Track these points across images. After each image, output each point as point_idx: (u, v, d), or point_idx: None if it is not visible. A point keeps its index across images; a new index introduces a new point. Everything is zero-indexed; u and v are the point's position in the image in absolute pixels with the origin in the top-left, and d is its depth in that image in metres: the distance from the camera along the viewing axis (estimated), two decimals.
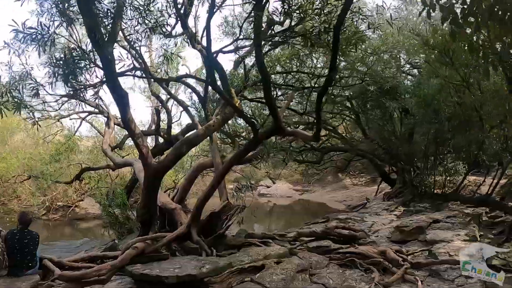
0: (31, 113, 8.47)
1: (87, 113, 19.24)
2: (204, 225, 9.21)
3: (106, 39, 6.69)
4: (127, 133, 19.88)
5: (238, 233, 10.22)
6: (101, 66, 7.59)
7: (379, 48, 14.37)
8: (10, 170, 20.85)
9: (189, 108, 17.53)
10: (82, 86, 8.88)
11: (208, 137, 10.65)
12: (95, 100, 14.35)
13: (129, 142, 21.75)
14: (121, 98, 7.67)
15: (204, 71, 20.68)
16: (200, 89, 13.94)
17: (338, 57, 6.67)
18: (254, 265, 7.50)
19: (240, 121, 17.93)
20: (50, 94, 12.81)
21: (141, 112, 78.75)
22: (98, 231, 17.43)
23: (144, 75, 11.35)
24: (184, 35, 8.65)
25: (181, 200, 10.85)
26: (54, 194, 21.73)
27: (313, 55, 13.70)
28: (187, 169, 20.84)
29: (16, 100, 6.85)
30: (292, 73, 14.83)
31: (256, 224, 17.01)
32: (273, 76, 13.83)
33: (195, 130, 9.92)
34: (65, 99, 14.82)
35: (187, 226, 8.88)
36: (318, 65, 15.55)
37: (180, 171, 21.86)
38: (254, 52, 8.75)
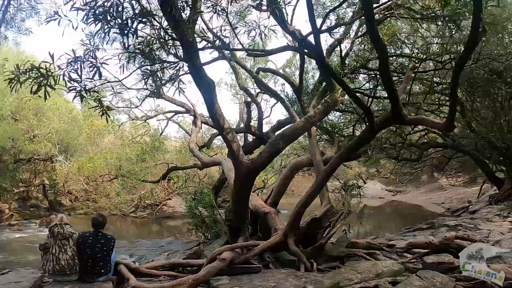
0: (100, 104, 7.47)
1: (173, 113, 19.13)
2: (303, 233, 8.00)
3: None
4: (214, 132, 19.70)
5: (338, 241, 8.79)
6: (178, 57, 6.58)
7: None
8: (97, 170, 21.42)
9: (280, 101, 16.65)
10: (163, 81, 7.89)
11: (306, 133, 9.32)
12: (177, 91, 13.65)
13: (217, 141, 21.72)
14: (207, 87, 6.82)
15: (296, 60, 20.28)
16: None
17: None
18: (366, 286, 6.13)
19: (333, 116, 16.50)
20: (129, 88, 12.13)
21: (228, 110, 76.71)
22: (184, 229, 17.04)
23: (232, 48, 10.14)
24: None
25: (275, 203, 9.66)
26: (142, 192, 21.97)
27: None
28: (277, 168, 20.01)
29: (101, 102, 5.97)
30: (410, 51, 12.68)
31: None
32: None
33: (292, 124, 8.65)
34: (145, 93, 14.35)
35: (284, 233, 7.64)
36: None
37: (270, 171, 21.07)
38: (365, 18, 7.15)
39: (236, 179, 8.02)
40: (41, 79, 5.01)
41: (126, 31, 5.28)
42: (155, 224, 20.82)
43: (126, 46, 5.76)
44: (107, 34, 5.31)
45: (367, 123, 6.86)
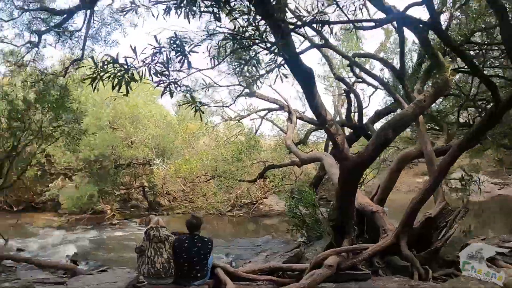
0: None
1: (266, 111, 18.90)
2: (416, 233, 7.00)
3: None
4: (310, 127, 19.04)
5: (451, 243, 7.60)
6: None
7: None
8: (194, 171, 21.67)
9: (379, 88, 15.48)
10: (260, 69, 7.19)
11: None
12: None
13: (312, 137, 21.51)
14: (306, 77, 6.10)
15: (391, 43, 18.93)
16: None
17: None
18: None
19: None
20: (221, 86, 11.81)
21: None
22: (281, 228, 16.88)
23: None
24: None
25: (382, 200, 8.65)
26: (238, 192, 21.94)
27: None
28: (376, 161, 18.76)
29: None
30: None
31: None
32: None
33: (399, 111, 7.65)
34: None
35: (396, 235, 6.73)
36: None
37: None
38: None
39: (340, 174, 7.21)
40: (122, 72, 4.55)
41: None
42: (251, 223, 20.68)
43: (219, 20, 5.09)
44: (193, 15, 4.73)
45: (493, 104, 5.75)
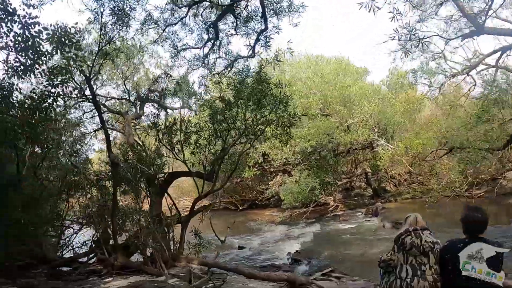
0: None
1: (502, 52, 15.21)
2: None
3: None
4: None
5: None
6: None
7: None
8: (427, 146, 18.24)
9: None
10: None
11: None
12: None
13: None
14: None
15: None
16: None
17: None
18: None
19: None
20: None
21: None
22: None
23: None
24: None
25: None
26: (478, 166, 17.67)
27: None
28: None
29: None
30: None
31: None
32: None
33: None
34: None
35: None
36: None
37: None
38: None
39: None
40: None
41: None
42: (492, 204, 16.92)
43: None
44: None
45: None
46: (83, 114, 14.83)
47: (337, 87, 20.54)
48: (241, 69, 9.68)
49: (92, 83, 8.27)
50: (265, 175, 22.52)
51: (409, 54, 10.56)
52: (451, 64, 17.86)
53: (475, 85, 18.03)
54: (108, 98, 15.97)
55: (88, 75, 7.54)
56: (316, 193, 19.62)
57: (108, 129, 15.67)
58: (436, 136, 18.71)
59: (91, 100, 8.63)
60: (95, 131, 15.48)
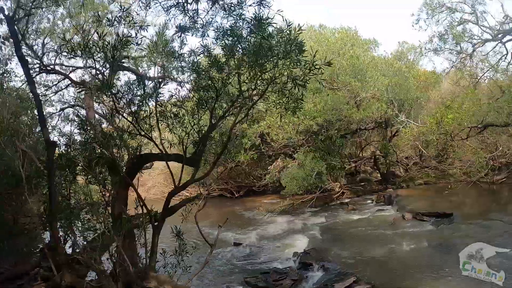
0: None
1: None
2: None
3: None
4: None
5: None
6: None
7: None
8: (465, 121, 15.45)
9: None
10: None
11: None
12: None
13: None
14: None
15: None
16: None
17: None
18: None
19: None
20: None
21: None
22: None
23: None
24: None
25: None
26: (500, 148, 16.23)
27: None
28: None
29: None
30: None
31: None
32: None
33: None
34: None
35: None
36: None
37: None
38: None
39: None
40: None
41: None
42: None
43: None
44: None
45: None
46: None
47: (346, 57, 17.75)
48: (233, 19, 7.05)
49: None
50: (262, 159, 19.95)
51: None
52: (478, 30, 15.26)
53: (506, 54, 15.39)
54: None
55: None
56: (322, 179, 17.10)
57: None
58: (459, 113, 15.92)
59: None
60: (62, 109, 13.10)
